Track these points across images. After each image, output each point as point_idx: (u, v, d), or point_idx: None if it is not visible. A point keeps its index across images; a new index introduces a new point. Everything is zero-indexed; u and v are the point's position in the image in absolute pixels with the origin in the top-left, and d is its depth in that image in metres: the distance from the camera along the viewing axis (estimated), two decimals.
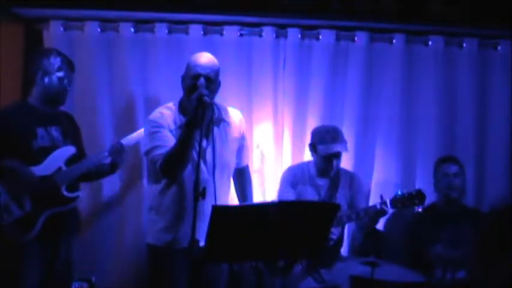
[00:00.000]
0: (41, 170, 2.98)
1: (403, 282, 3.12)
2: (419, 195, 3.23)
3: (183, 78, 2.97)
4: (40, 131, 3.02)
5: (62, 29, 3.78)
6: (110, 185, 3.77)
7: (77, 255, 3.60)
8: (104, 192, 3.78)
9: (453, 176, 3.52)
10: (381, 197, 3.26)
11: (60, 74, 3.06)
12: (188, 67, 2.94)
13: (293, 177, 3.50)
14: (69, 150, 3.09)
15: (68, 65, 3.12)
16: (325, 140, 3.36)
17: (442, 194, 3.56)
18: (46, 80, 3.04)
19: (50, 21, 3.79)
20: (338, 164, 3.42)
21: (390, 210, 3.25)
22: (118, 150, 3.20)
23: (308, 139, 3.55)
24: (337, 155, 3.39)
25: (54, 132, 3.08)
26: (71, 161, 3.08)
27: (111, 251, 3.77)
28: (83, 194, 3.68)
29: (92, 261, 3.73)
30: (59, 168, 3.02)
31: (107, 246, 3.77)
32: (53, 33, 3.77)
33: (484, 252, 2.17)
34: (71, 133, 3.19)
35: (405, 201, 3.21)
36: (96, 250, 3.75)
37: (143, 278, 3.61)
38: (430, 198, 3.64)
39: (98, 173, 3.26)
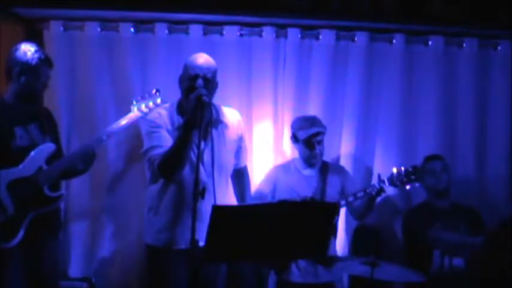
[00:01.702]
0: (22, 171, 2.87)
1: (403, 282, 3.12)
2: (416, 171, 3.24)
3: (181, 79, 2.98)
4: (18, 130, 2.92)
5: (62, 29, 3.78)
6: (111, 184, 3.77)
7: (76, 255, 3.62)
8: (105, 191, 3.77)
9: (439, 172, 3.55)
10: (379, 176, 3.28)
11: (37, 71, 2.95)
12: (186, 68, 2.95)
13: (279, 173, 3.51)
14: (49, 147, 2.98)
15: (46, 62, 3.00)
16: (304, 126, 3.42)
17: (430, 190, 3.59)
18: (22, 78, 2.94)
19: (50, 21, 3.78)
20: (322, 150, 3.43)
21: (389, 188, 3.27)
22: (90, 156, 3.06)
23: None
24: (319, 140, 3.40)
25: (34, 129, 2.98)
26: (51, 158, 2.96)
27: (111, 251, 3.76)
28: (84, 193, 3.71)
29: (92, 261, 3.73)
30: (40, 168, 2.90)
31: (107, 246, 3.76)
32: (53, 33, 3.77)
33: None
34: (50, 129, 3.10)
35: (403, 178, 3.24)
36: (96, 250, 3.76)
37: (143, 278, 3.61)
38: (422, 197, 3.68)
39: (74, 171, 3.11)
